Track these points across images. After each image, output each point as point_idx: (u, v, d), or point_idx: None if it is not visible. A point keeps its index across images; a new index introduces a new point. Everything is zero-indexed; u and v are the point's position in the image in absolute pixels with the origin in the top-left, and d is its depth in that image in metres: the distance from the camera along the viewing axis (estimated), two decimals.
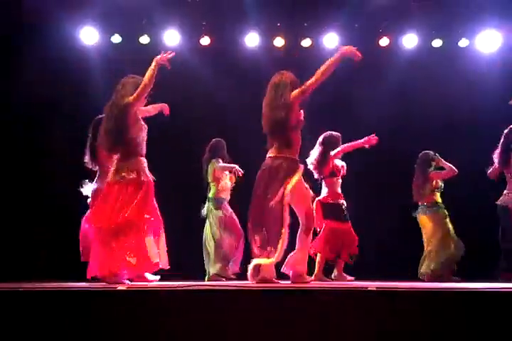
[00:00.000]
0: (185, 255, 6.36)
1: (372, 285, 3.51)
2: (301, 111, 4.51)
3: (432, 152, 6.37)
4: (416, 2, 7.09)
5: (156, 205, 4.45)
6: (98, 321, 2.82)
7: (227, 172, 6.19)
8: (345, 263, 5.87)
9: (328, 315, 2.83)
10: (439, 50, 7.55)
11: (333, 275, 5.89)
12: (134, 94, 4.34)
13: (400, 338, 2.83)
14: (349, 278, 5.81)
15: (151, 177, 4.41)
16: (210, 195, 6.14)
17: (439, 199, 6.32)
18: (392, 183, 7.20)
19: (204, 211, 6.14)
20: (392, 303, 2.89)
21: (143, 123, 4.49)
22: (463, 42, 7.50)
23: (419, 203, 6.33)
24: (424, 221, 6.27)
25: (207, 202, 6.15)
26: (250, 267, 4.33)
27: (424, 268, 6.15)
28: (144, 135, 4.45)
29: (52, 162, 7.00)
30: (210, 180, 6.16)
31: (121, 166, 4.34)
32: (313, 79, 4.39)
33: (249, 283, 4.28)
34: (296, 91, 4.40)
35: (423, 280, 6.02)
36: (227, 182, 6.18)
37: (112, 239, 4.18)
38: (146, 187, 4.32)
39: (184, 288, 3.13)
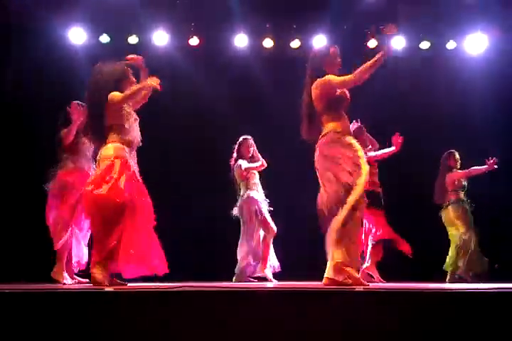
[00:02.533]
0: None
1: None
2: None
3: (455, 151, 6.44)
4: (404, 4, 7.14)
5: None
6: (85, 323, 2.81)
7: (256, 173, 6.22)
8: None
9: (316, 316, 2.84)
10: (427, 52, 7.60)
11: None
12: (121, 97, 4.19)
13: (388, 338, 2.84)
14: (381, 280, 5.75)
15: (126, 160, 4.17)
16: (241, 192, 6.15)
17: (463, 198, 6.37)
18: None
19: (236, 210, 6.13)
20: (381, 304, 2.90)
21: (128, 111, 4.27)
22: (450, 45, 7.58)
23: (442, 202, 6.37)
24: (448, 216, 6.33)
25: (239, 201, 6.14)
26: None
27: (461, 267, 6.20)
28: (128, 124, 4.22)
29: (43, 161, 6.94)
30: (239, 180, 6.18)
31: (99, 152, 4.23)
32: (354, 75, 4.08)
33: (245, 284, 4.25)
34: (337, 80, 4.13)
35: (464, 281, 6.08)
36: (256, 180, 6.20)
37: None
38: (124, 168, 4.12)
39: (177, 289, 3.13)
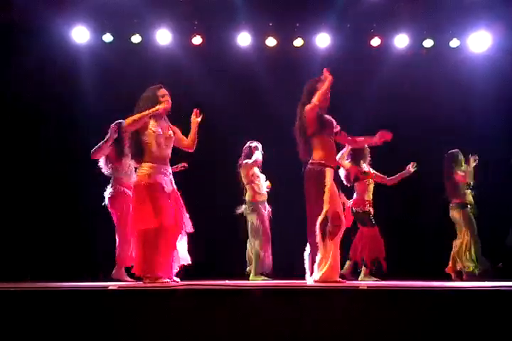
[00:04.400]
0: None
1: (364, 284, 3.53)
2: (325, 117, 4.54)
3: (458, 151, 6.38)
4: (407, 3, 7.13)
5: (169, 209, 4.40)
6: (86, 321, 2.82)
7: (261, 176, 6.23)
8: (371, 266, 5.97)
9: (319, 314, 2.84)
10: (430, 50, 7.59)
11: (359, 278, 5.96)
12: (129, 120, 4.43)
13: (390, 337, 2.84)
14: (375, 279, 5.85)
15: (153, 181, 4.38)
16: (247, 197, 6.19)
17: (470, 198, 6.34)
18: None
19: (243, 212, 6.19)
20: (384, 302, 2.90)
21: (154, 129, 4.49)
22: (454, 43, 7.56)
23: (452, 201, 6.35)
24: (456, 218, 6.31)
25: (244, 205, 6.20)
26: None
27: (460, 265, 6.20)
28: (154, 141, 4.46)
29: (45, 161, 6.98)
30: (245, 183, 6.21)
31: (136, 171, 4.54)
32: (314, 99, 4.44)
33: (244, 283, 4.28)
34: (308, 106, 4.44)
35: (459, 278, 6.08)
36: (263, 184, 6.22)
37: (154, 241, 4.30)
38: (149, 191, 4.36)
39: (182, 288, 3.13)
